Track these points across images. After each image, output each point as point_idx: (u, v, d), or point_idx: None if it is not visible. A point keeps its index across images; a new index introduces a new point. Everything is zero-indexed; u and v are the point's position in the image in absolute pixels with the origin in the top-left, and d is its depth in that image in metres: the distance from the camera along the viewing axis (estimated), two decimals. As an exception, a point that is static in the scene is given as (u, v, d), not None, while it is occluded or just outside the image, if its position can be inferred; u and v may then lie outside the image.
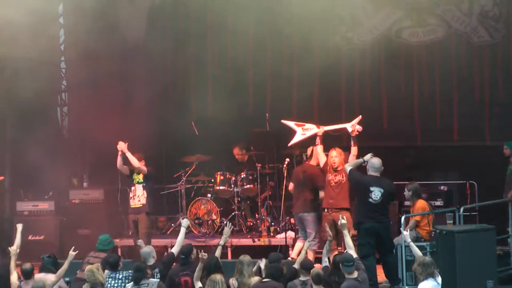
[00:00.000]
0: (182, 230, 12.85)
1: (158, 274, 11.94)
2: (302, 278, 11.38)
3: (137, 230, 14.63)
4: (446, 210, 13.96)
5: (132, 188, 14.82)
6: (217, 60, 17.30)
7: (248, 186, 16.06)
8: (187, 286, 11.78)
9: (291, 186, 14.88)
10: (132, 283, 11.44)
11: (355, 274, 11.24)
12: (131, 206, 14.80)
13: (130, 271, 12.17)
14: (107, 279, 12.09)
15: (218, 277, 10.94)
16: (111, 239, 13.25)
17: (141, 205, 14.73)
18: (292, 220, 15.93)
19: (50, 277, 12.09)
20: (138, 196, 14.77)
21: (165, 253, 15.28)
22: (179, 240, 12.72)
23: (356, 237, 13.28)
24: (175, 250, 12.61)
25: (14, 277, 12.19)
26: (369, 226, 12.90)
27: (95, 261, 12.59)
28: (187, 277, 11.80)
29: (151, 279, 11.45)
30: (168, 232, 16.42)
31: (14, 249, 12.37)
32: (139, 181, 14.78)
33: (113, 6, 16.06)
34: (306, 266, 11.52)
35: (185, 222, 13.10)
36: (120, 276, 12.12)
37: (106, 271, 12.08)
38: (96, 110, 16.43)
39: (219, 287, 10.81)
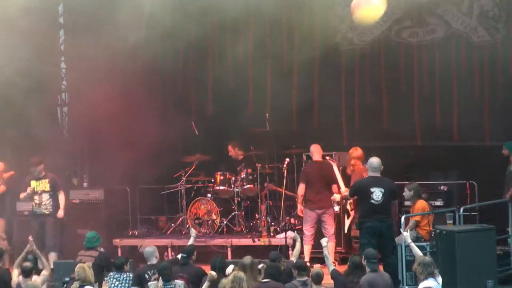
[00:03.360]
0: (191, 240, 13.09)
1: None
2: (300, 278, 11.37)
3: None
4: (446, 210, 13.95)
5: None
6: (217, 60, 17.30)
7: (248, 186, 16.06)
8: None
9: (303, 186, 14.88)
10: (157, 282, 11.43)
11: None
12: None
13: (130, 273, 12.26)
14: (110, 279, 12.14)
15: (242, 274, 10.97)
16: (98, 236, 13.32)
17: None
18: (292, 220, 15.92)
19: (37, 278, 12.17)
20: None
21: (165, 253, 15.34)
22: None
23: (359, 237, 13.31)
24: (180, 256, 12.66)
25: (15, 273, 12.28)
26: (371, 225, 12.91)
27: (88, 260, 12.65)
28: (182, 279, 11.83)
29: (176, 280, 11.49)
30: (168, 232, 16.42)
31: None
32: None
33: (112, 6, 16.05)
34: (302, 266, 11.52)
35: (193, 232, 13.32)
36: (124, 276, 12.18)
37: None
38: (96, 110, 16.42)
39: (244, 285, 10.82)
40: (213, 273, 11.58)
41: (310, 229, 14.76)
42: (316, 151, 14.93)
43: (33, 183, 15.25)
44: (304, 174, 14.86)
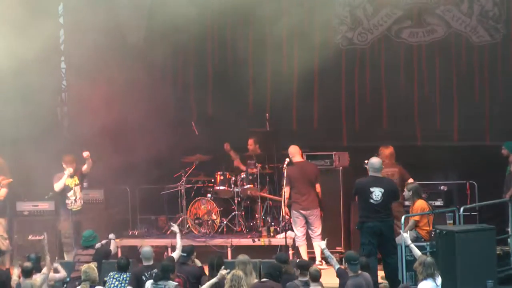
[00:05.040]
0: (177, 236, 13.04)
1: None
2: (301, 278, 11.36)
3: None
4: (446, 210, 13.96)
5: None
6: (217, 60, 17.31)
7: (248, 186, 16.05)
8: None
9: (287, 189, 14.90)
10: (152, 280, 11.46)
11: (359, 272, 11.31)
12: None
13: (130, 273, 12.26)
14: (110, 279, 12.14)
15: (241, 273, 10.98)
16: (95, 234, 13.36)
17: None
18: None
19: (37, 276, 12.15)
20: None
21: (165, 253, 15.33)
22: (178, 245, 12.82)
23: (359, 237, 13.31)
24: (175, 254, 12.64)
25: (15, 272, 12.27)
26: (372, 225, 12.92)
27: (86, 259, 12.65)
28: (179, 279, 11.83)
29: (170, 281, 11.44)
30: (168, 232, 16.41)
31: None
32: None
33: (113, 6, 16.05)
34: (304, 265, 11.51)
35: (175, 227, 13.36)
36: (124, 277, 12.18)
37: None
38: (96, 110, 16.42)
39: (243, 282, 10.83)
40: (224, 271, 11.56)
41: (300, 229, 14.91)
42: (295, 152, 15.04)
43: (68, 181, 15.22)
44: (287, 177, 14.90)
